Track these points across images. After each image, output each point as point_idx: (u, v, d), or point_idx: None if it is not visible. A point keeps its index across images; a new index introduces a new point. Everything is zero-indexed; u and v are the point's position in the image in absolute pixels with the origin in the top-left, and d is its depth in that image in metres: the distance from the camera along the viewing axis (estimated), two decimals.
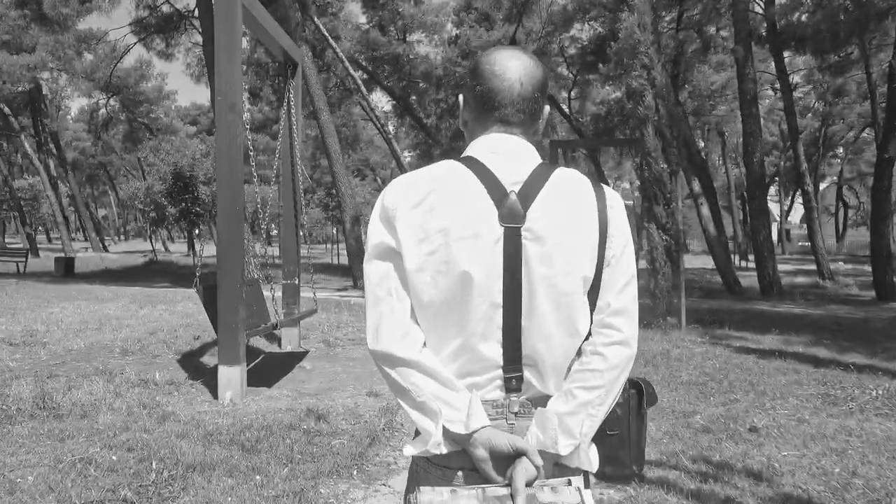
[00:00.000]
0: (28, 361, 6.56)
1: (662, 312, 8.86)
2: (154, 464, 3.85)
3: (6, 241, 44.37)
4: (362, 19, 26.26)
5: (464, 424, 1.22)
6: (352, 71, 18.91)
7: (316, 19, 19.22)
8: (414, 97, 28.06)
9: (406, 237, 1.24)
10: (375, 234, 1.28)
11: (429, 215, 1.24)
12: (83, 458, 4.01)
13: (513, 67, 1.31)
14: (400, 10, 25.81)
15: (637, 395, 1.45)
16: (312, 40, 21.46)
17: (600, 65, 26.95)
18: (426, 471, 1.29)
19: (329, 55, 22.76)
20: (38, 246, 33.85)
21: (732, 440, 4.45)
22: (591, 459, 1.29)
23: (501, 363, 1.26)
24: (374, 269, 1.29)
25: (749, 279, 18.07)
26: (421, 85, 26.91)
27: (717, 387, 5.84)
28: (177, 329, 8.46)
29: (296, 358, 7.19)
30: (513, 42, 29.14)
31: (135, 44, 24.82)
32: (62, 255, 24.65)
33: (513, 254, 1.23)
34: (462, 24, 30.88)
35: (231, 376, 5.39)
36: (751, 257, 27.91)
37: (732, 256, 22.33)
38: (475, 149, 1.33)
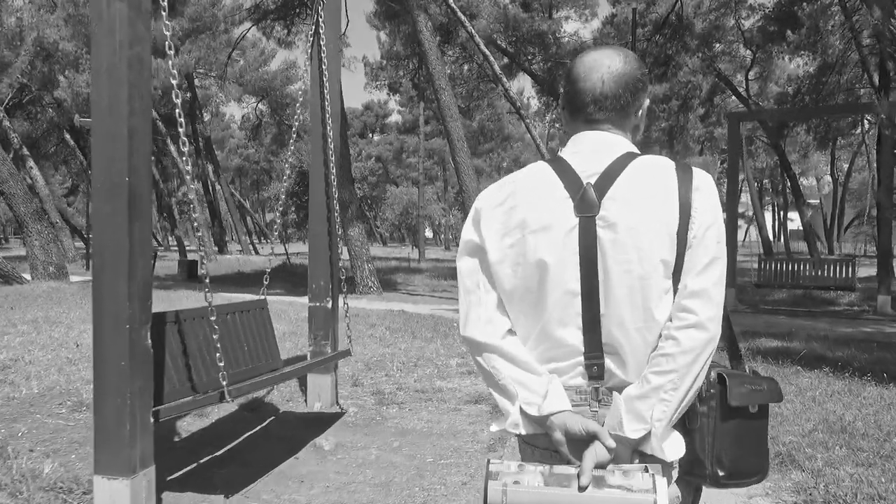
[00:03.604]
0: None
1: None
2: None
3: (170, 244, 46.97)
4: None
5: (538, 407, 1.26)
6: (483, 47, 16.24)
7: None
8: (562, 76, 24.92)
9: (490, 233, 1.34)
10: (465, 233, 1.40)
11: (510, 212, 1.32)
12: None
13: (596, 67, 1.33)
14: None
15: (723, 390, 1.33)
16: (441, 19, 19.14)
17: (788, 32, 23.28)
18: (521, 445, 1.39)
19: (462, 36, 20.28)
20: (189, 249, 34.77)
21: None
22: (664, 449, 1.23)
23: (583, 350, 1.28)
24: (464, 265, 1.39)
25: None
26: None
27: None
28: None
29: (317, 425, 4.64)
30: (678, 18, 25.45)
31: (249, 29, 23.94)
32: (212, 258, 24.51)
33: (588, 243, 1.26)
34: (619, 2, 27.37)
35: (115, 497, 2.91)
36: None
37: None
38: (564, 149, 1.37)
